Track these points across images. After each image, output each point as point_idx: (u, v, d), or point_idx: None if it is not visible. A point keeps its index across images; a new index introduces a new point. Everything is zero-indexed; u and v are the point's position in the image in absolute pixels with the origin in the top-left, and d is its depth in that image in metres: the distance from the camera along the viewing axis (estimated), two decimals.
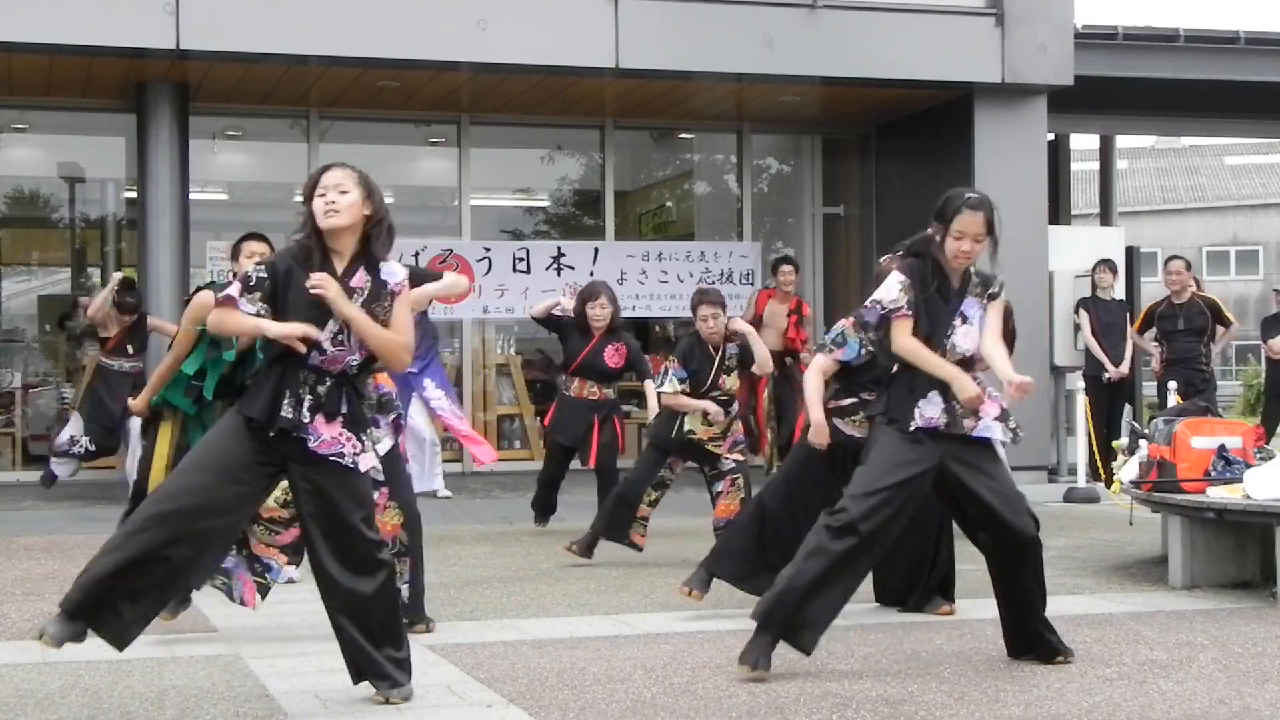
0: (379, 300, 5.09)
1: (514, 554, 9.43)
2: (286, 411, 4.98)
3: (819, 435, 6.82)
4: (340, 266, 5.08)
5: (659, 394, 8.75)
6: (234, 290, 5.02)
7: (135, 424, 11.31)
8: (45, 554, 9.40)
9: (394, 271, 5.17)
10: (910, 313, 5.64)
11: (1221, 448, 7.87)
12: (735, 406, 8.81)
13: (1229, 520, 7.59)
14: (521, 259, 14.36)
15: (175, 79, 12.89)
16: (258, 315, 4.97)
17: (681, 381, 8.57)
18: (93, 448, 11.72)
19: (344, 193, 5.04)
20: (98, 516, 10.53)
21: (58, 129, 14.66)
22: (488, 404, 14.72)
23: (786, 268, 13.13)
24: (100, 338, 12.00)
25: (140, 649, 6.13)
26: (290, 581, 6.93)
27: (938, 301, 5.70)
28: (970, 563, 8.79)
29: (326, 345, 5.01)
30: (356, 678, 5.18)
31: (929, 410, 5.67)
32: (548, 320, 10.18)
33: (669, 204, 16.56)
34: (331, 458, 5.04)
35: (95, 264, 15.65)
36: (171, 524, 4.90)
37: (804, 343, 12.91)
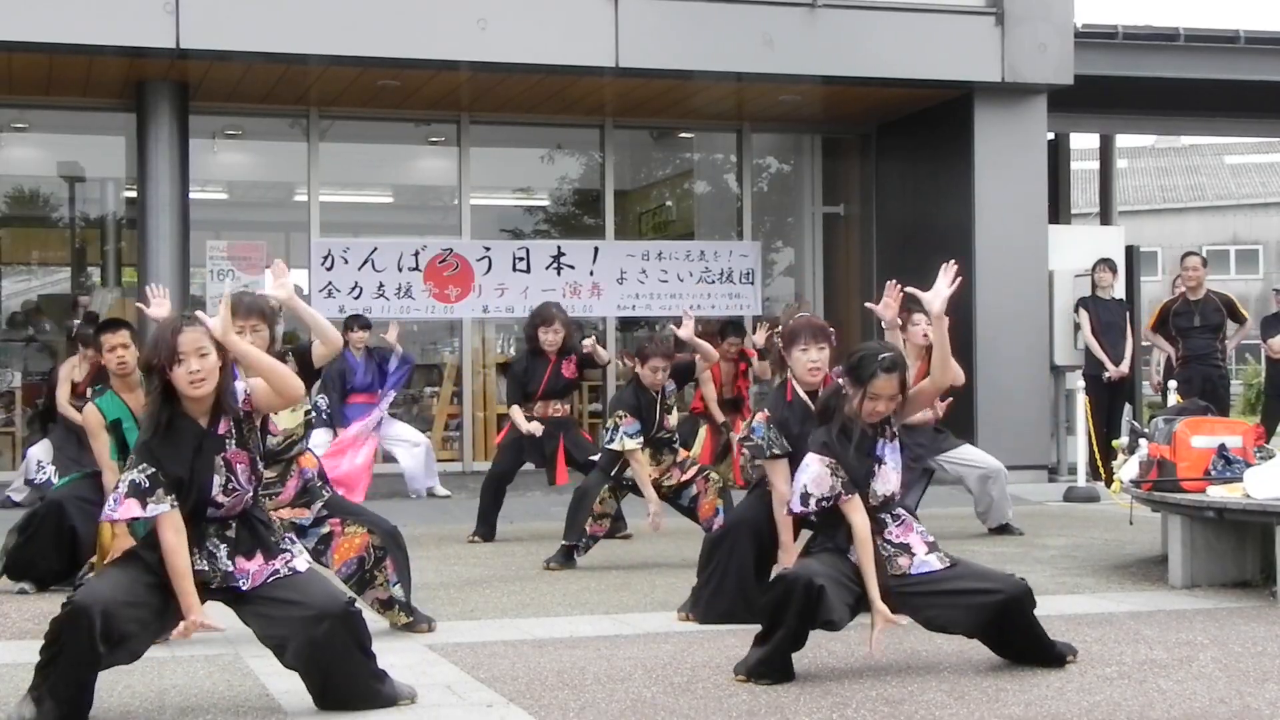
0: (242, 431, 4.94)
1: (514, 553, 9.43)
2: (201, 565, 4.88)
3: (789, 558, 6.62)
4: (204, 421, 4.91)
5: (609, 449, 8.71)
6: (133, 509, 4.79)
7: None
8: None
9: (236, 391, 4.96)
10: (852, 493, 5.64)
11: (1222, 447, 7.87)
12: (676, 439, 8.95)
13: (1229, 519, 7.58)
14: (521, 258, 14.35)
15: (175, 78, 12.89)
16: (171, 508, 4.79)
17: (633, 436, 8.58)
18: (54, 481, 11.25)
19: (204, 355, 4.81)
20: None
21: (58, 128, 14.66)
22: (488, 403, 14.71)
23: (733, 338, 12.88)
24: (73, 382, 11.48)
25: None
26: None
27: (857, 457, 5.68)
28: None
29: (220, 497, 4.90)
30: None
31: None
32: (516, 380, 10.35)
33: (669, 203, 16.56)
34: (269, 579, 4.98)
35: (95, 263, 15.66)
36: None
37: (748, 388, 12.94)
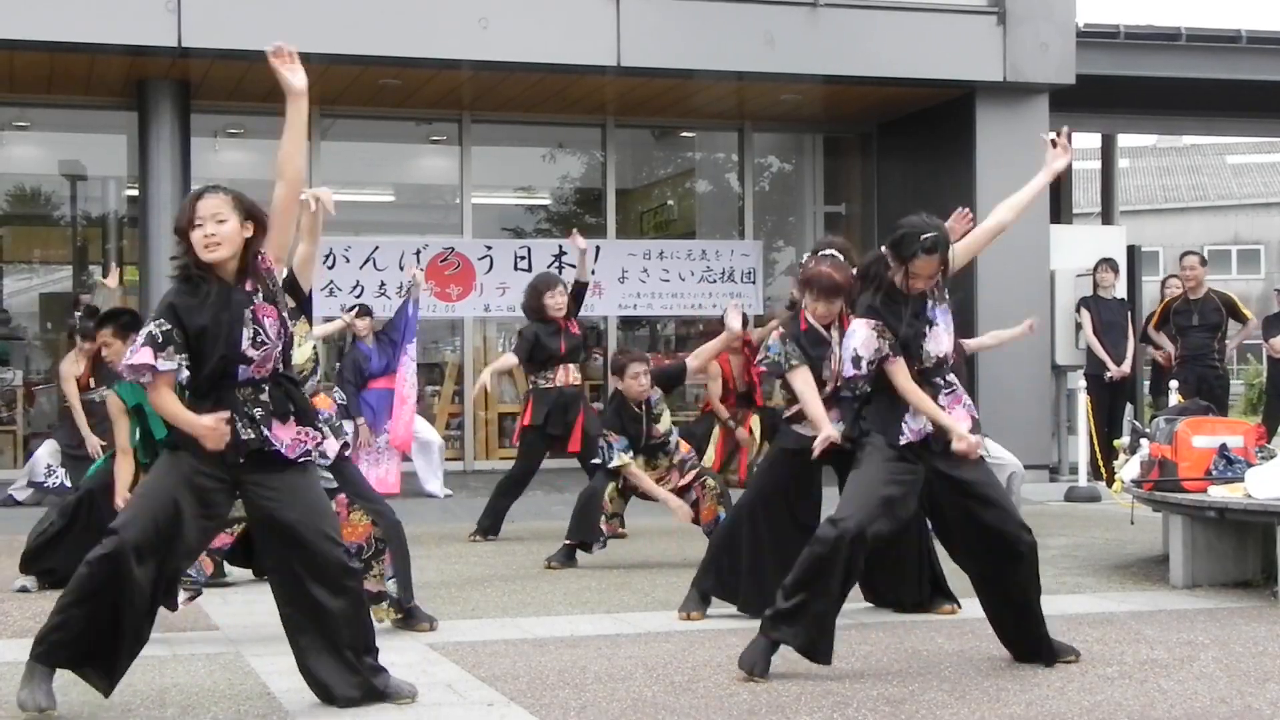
0: (268, 287, 5.00)
1: (515, 552, 9.43)
2: (246, 433, 4.92)
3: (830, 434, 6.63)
4: (229, 278, 4.98)
5: (608, 468, 8.69)
6: (146, 357, 4.83)
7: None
8: None
9: (254, 257, 5.01)
10: (898, 355, 5.71)
11: (1223, 447, 7.87)
12: (674, 436, 8.84)
13: (1230, 519, 7.58)
14: (523, 257, 14.35)
15: (176, 77, 12.89)
16: (178, 369, 4.86)
17: (626, 450, 8.59)
18: (68, 484, 11.19)
19: (222, 222, 4.91)
20: None
21: (59, 127, 14.66)
22: (489, 402, 14.71)
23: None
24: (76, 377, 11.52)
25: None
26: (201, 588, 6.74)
27: (908, 320, 5.74)
28: None
29: (250, 351, 4.93)
30: (327, 697, 5.06)
31: (915, 423, 5.72)
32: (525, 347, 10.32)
33: (670, 202, 16.56)
34: (300, 458, 5.02)
35: (97, 261, 15.65)
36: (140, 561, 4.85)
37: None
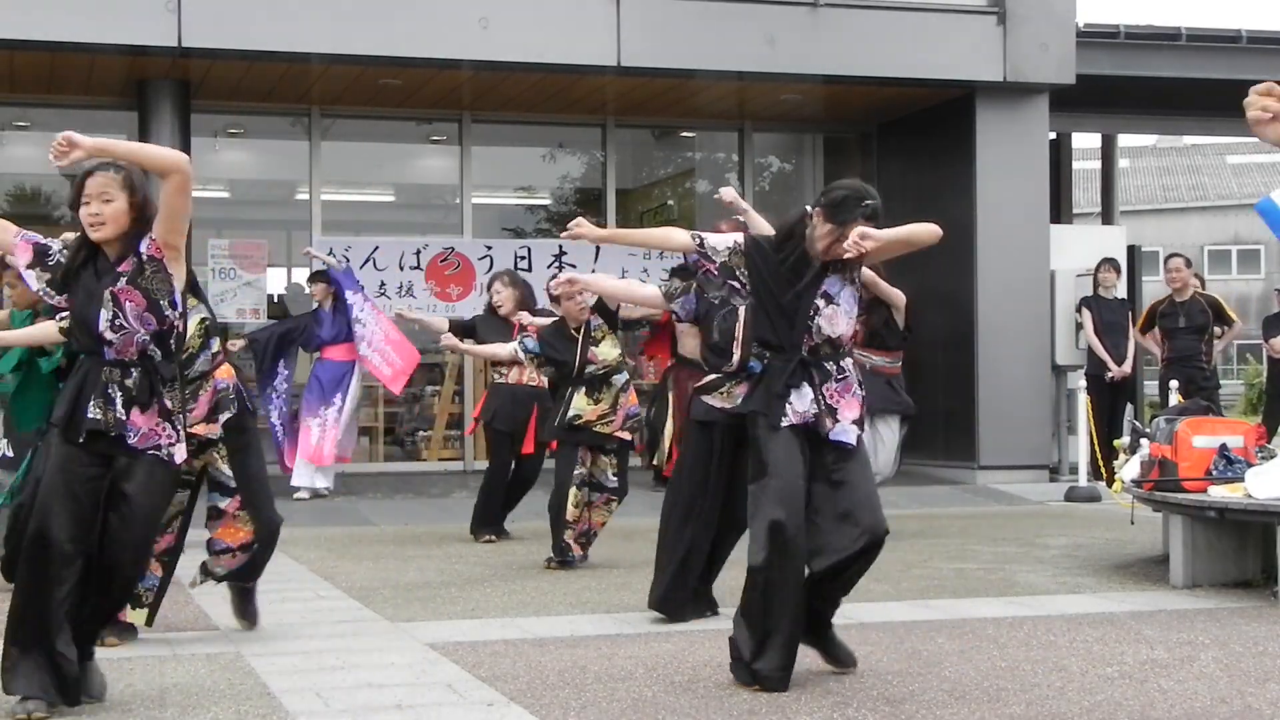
0: (143, 272, 4.99)
1: (515, 552, 9.43)
2: (94, 412, 4.91)
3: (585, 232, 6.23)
4: (112, 256, 5.02)
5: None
6: (26, 256, 5.07)
7: None
8: None
9: (141, 241, 5.03)
10: (733, 314, 5.56)
11: (1223, 447, 7.87)
12: (624, 376, 8.60)
13: (1230, 519, 7.58)
14: (523, 257, 14.35)
15: (177, 77, 12.89)
16: (41, 291, 5.06)
17: (527, 352, 8.60)
18: (9, 454, 11.29)
19: (108, 201, 4.95)
20: None
21: (59, 126, 14.39)
22: None
23: None
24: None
25: (142, 647, 6.14)
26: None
27: (797, 280, 5.48)
28: (971, 561, 8.81)
29: (108, 334, 4.95)
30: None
31: (800, 405, 5.45)
32: (464, 328, 10.28)
33: (670, 202, 16.56)
34: (149, 451, 4.98)
35: None
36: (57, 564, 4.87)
37: None
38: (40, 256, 5.06)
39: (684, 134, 16.19)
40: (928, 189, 14.43)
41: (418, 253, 14.05)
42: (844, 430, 5.45)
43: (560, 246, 14.50)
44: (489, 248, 14.40)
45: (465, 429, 14.34)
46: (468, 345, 9.83)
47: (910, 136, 14.91)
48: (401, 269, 13.91)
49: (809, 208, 5.50)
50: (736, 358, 5.86)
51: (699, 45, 12.81)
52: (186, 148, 12.93)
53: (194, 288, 6.05)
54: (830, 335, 5.47)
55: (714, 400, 6.11)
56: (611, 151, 15.05)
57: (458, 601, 7.45)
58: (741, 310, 5.74)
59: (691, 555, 6.78)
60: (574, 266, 14.32)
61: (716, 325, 5.88)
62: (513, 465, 10.20)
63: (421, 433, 14.88)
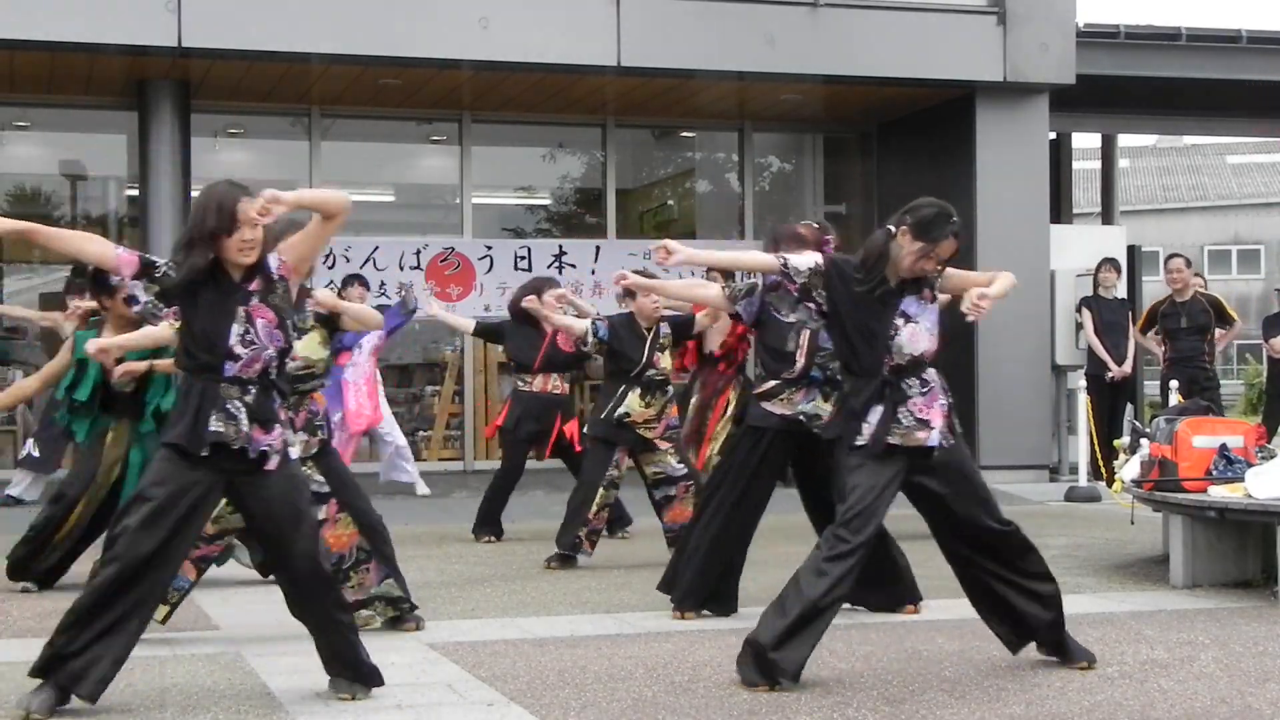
0: (274, 290, 5.11)
1: (515, 552, 9.43)
2: (216, 425, 4.97)
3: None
4: (238, 277, 5.08)
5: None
6: (129, 271, 5.04)
7: None
8: None
9: (269, 260, 5.16)
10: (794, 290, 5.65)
11: (1223, 447, 7.87)
12: (670, 389, 8.72)
13: (1230, 519, 7.58)
14: (523, 257, 14.35)
15: (177, 76, 12.89)
16: (146, 306, 5.06)
17: (595, 336, 8.58)
18: (35, 454, 11.18)
19: (256, 226, 5.04)
20: None
21: (59, 126, 14.66)
22: (489, 402, 14.71)
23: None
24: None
25: (142, 647, 6.13)
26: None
27: (876, 303, 5.57)
28: None
29: (238, 348, 5.00)
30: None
31: (876, 425, 5.53)
32: (491, 330, 10.34)
33: (671, 202, 16.56)
34: (272, 459, 5.08)
35: None
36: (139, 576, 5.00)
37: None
38: (147, 269, 5.07)
39: (684, 134, 16.18)
40: (928, 189, 14.26)
41: (418, 253, 14.04)
42: (936, 435, 5.56)
43: (560, 246, 14.51)
44: (489, 248, 14.39)
45: (484, 430, 14.35)
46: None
47: (910, 136, 14.91)
48: (401, 269, 13.90)
49: (891, 227, 5.59)
50: (800, 366, 6.47)
51: (699, 45, 12.81)
52: (186, 148, 12.96)
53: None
54: (912, 354, 5.58)
55: (773, 406, 6.65)
56: (611, 151, 15.05)
57: (457, 601, 7.45)
58: (810, 324, 6.20)
59: (716, 552, 6.84)
60: (574, 267, 14.33)
61: (787, 333, 6.39)
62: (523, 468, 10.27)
63: (421, 433, 14.87)
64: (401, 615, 6.52)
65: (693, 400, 10.88)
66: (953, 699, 5.21)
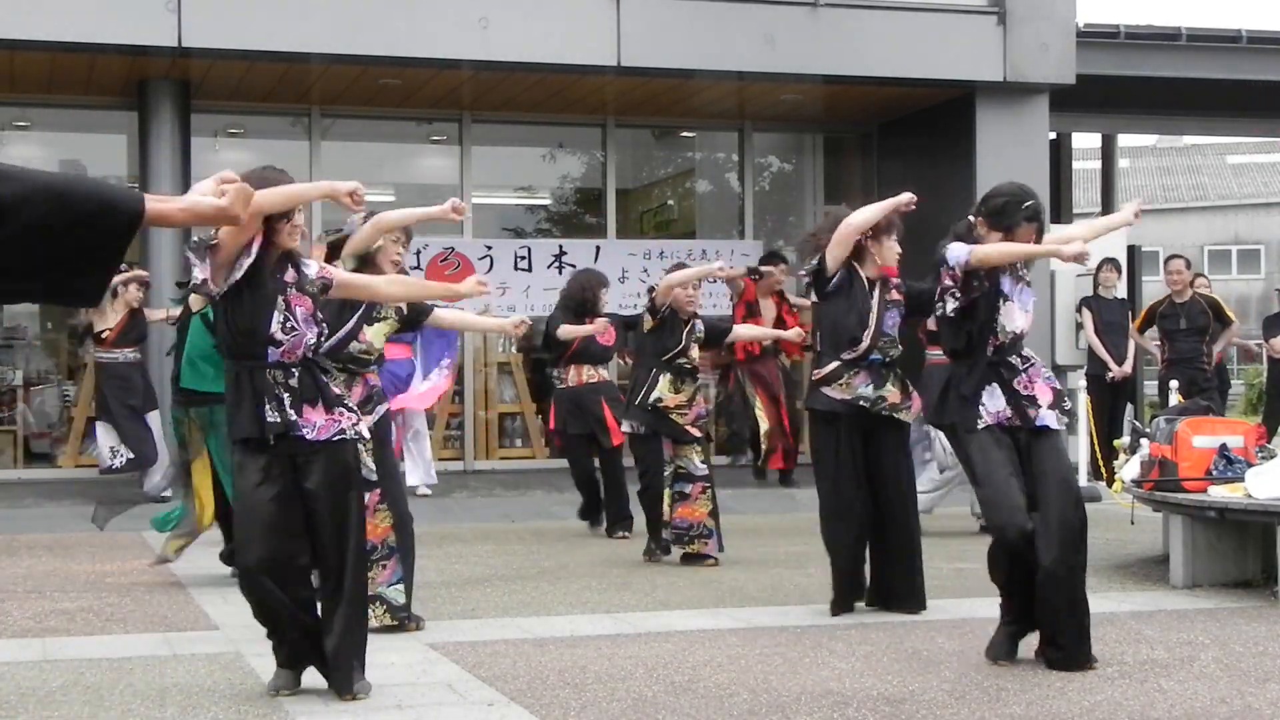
0: (307, 279, 5.29)
1: (515, 552, 9.43)
2: (272, 416, 5.13)
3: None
4: (270, 265, 5.23)
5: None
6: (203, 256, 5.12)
7: (155, 424, 11.46)
8: (47, 551, 9.41)
9: (310, 265, 5.40)
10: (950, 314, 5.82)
11: (1223, 447, 7.87)
12: (700, 377, 9.03)
13: (1230, 519, 7.58)
14: (523, 257, 14.36)
15: (177, 77, 12.89)
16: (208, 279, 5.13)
17: (650, 310, 8.84)
18: (131, 455, 11.45)
19: (300, 210, 5.31)
20: None
21: (59, 126, 14.66)
22: (489, 402, 14.71)
23: (773, 265, 12.91)
24: (96, 332, 11.76)
25: (142, 647, 6.14)
26: None
27: (973, 293, 5.78)
28: (972, 562, 8.81)
29: (279, 334, 5.16)
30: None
31: (993, 404, 5.76)
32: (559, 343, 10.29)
33: (671, 202, 16.56)
34: (335, 437, 5.22)
35: None
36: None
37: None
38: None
39: (684, 134, 16.18)
40: (928, 189, 14.32)
41: (418, 253, 14.02)
42: (1046, 416, 5.77)
43: (560, 246, 14.50)
44: (489, 248, 14.40)
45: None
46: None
47: (910, 136, 14.91)
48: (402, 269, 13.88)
49: (971, 217, 5.82)
50: (865, 345, 6.63)
51: (699, 45, 12.80)
52: (187, 148, 12.96)
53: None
54: (1014, 332, 5.79)
55: (833, 391, 6.73)
56: (611, 151, 15.05)
57: (458, 601, 7.46)
58: (874, 299, 6.56)
59: (849, 551, 6.89)
60: (574, 267, 14.31)
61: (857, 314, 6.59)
62: (596, 463, 10.32)
63: None
64: (400, 625, 6.51)
65: (748, 396, 11.29)
66: (953, 699, 5.21)
